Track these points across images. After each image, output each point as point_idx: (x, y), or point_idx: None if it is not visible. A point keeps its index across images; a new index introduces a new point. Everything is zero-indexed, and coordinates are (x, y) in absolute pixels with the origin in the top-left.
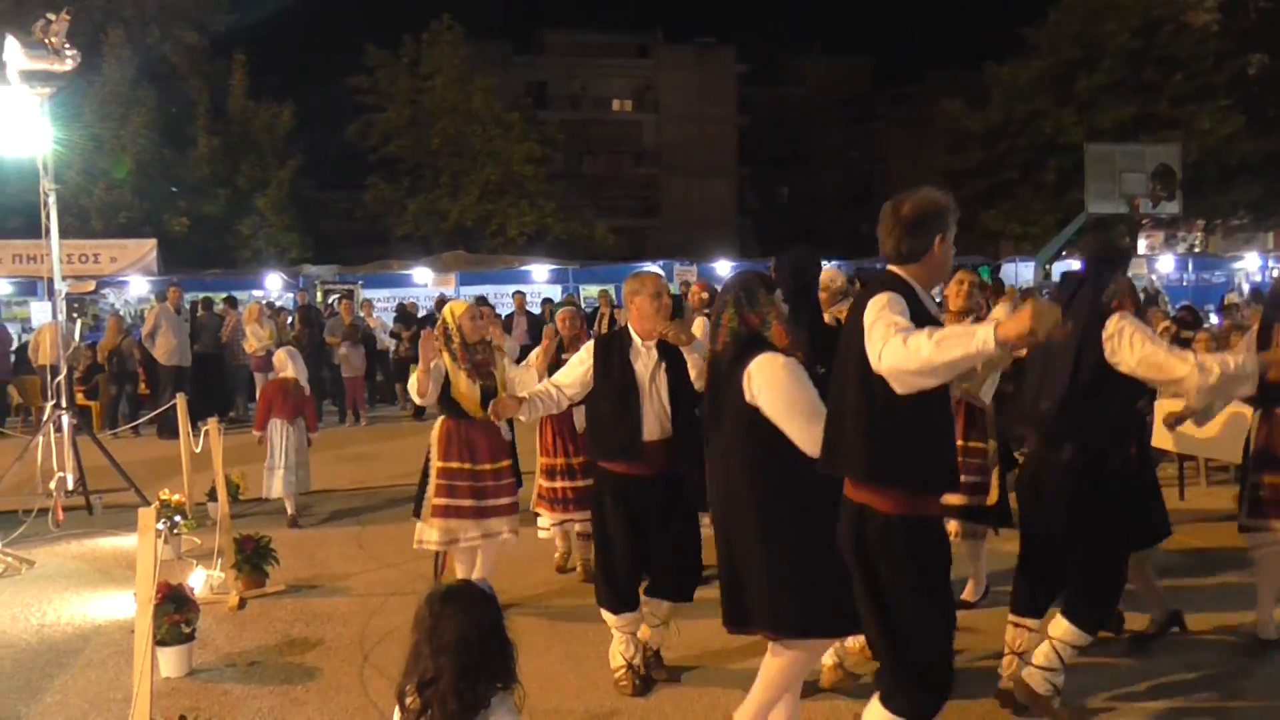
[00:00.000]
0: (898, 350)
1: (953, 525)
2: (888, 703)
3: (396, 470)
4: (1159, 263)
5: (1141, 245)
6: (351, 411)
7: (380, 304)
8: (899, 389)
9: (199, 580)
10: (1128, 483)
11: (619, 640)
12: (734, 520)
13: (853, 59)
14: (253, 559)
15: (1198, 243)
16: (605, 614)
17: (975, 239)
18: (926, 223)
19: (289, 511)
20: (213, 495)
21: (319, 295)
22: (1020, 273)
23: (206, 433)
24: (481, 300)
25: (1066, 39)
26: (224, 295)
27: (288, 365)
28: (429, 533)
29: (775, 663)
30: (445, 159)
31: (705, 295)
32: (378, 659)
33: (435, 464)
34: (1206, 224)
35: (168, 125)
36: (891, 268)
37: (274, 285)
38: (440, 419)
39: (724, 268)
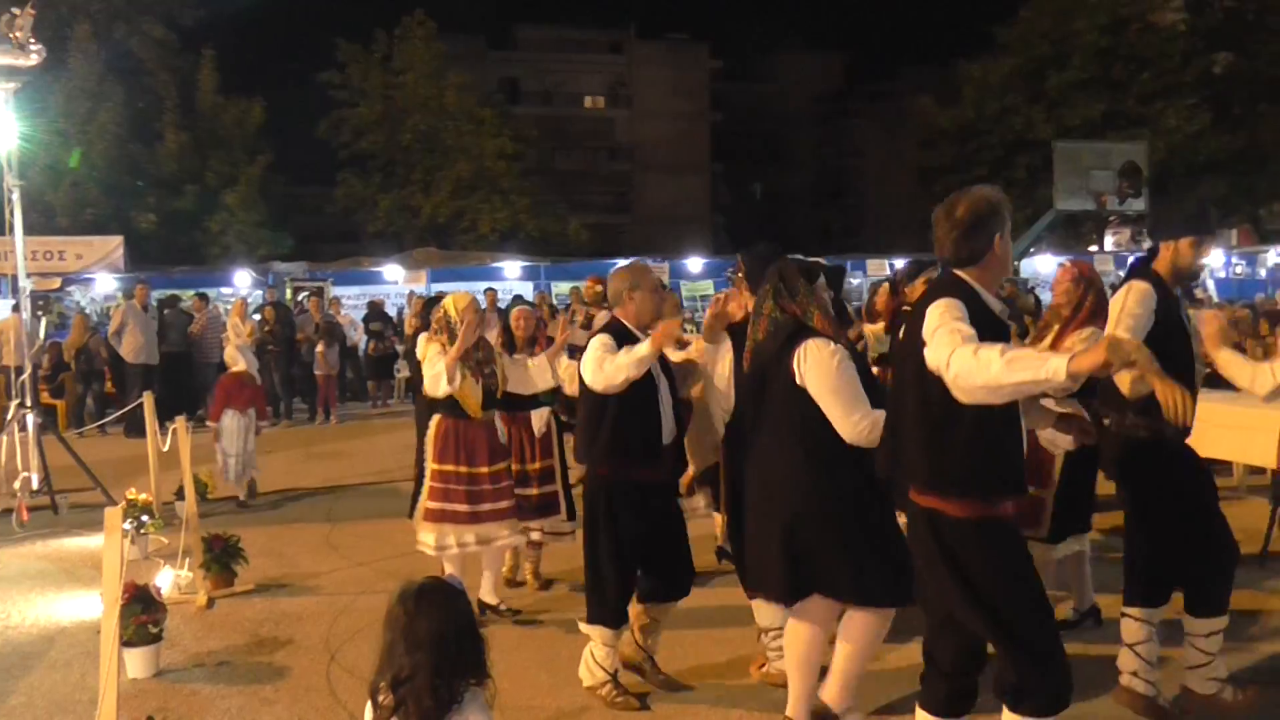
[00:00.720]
0: (967, 360)
1: None
2: (1019, 706)
3: (367, 468)
4: (1126, 259)
5: (1109, 242)
6: (322, 410)
7: (350, 301)
8: (962, 398)
9: (166, 580)
10: (1185, 459)
11: (602, 654)
12: (781, 500)
13: (826, 56)
14: (221, 558)
15: None
16: (594, 629)
17: None
18: (984, 222)
19: (240, 496)
20: (180, 494)
21: (289, 292)
22: None
23: (174, 431)
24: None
25: (1037, 37)
26: (193, 292)
27: (238, 360)
28: (424, 534)
29: (859, 625)
30: (417, 155)
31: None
32: (347, 658)
33: (431, 465)
34: None
35: (135, 121)
36: (954, 271)
37: (243, 282)
38: (437, 418)
39: (696, 264)
